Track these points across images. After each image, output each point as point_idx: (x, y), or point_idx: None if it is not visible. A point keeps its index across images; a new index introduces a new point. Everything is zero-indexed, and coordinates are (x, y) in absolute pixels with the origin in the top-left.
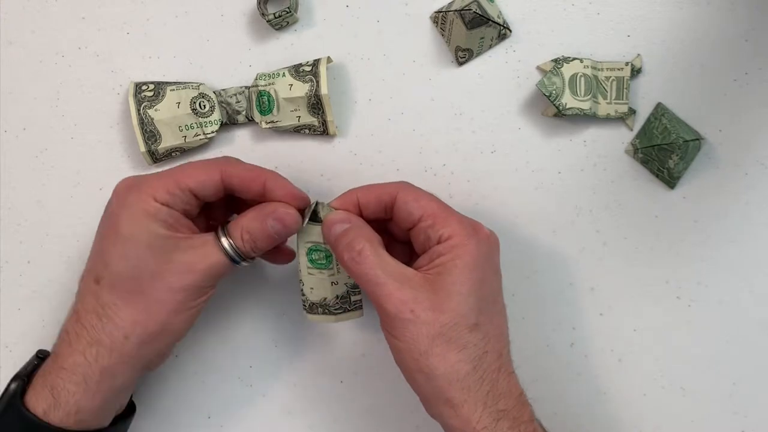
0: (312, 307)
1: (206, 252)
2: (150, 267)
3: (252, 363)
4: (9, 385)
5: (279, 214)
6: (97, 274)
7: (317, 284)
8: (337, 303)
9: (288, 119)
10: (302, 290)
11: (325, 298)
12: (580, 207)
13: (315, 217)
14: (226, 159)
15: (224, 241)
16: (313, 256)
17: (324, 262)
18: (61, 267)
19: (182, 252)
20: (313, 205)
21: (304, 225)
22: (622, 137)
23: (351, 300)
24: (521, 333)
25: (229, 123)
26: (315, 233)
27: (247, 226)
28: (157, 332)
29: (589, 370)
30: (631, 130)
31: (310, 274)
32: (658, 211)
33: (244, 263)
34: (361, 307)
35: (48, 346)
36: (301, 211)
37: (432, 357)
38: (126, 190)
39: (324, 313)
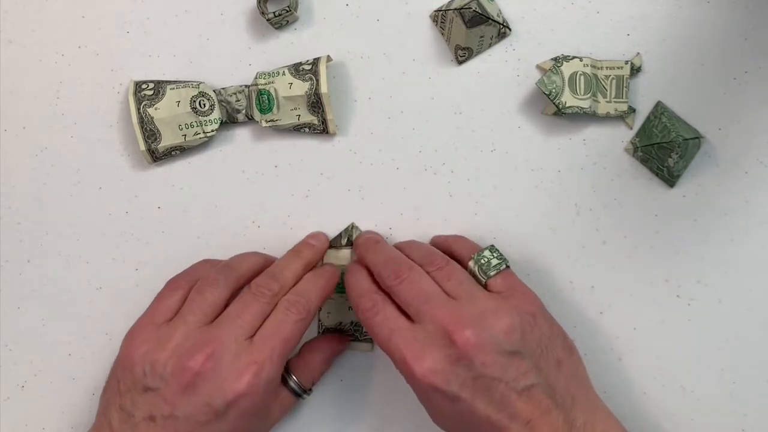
0: (326, 332)
1: (283, 403)
2: None
3: None
4: None
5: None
6: None
7: (335, 309)
8: (351, 329)
9: (288, 118)
10: (318, 315)
11: (341, 323)
12: (580, 205)
13: (336, 242)
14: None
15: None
16: None
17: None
18: (61, 266)
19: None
20: (349, 228)
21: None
22: (621, 136)
23: (363, 329)
24: None
25: (229, 122)
26: (342, 257)
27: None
28: None
29: (589, 369)
30: (631, 128)
31: (330, 298)
32: (658, 210)
33: (306, 395)
34: (372, 341)
35: (47, 346)
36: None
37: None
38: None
39: None
